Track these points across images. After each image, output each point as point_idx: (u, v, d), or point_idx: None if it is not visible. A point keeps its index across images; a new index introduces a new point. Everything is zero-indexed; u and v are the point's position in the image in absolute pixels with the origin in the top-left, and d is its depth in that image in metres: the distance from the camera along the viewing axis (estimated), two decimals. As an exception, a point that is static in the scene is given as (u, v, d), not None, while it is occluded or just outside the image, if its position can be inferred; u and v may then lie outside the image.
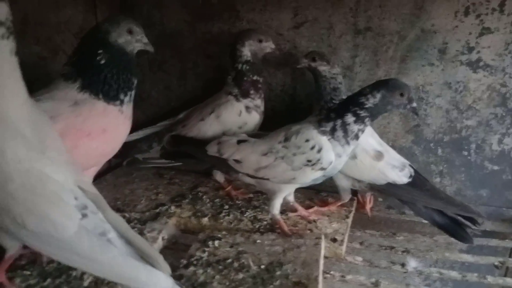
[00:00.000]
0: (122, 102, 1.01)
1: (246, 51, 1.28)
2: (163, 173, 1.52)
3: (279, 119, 1.36)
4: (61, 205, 0.70)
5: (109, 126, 1.00)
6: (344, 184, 1.23)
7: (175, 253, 1.11)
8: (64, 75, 0.98)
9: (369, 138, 1.17)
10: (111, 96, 0.99)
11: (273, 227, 1.17)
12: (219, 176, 1.37)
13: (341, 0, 1.32)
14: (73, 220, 0.70)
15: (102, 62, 0.98)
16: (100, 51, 0.98)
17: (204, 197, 1.35)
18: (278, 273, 0.93)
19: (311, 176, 1.06)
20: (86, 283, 0.87)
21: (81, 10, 1.38)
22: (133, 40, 1.03)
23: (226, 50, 1.40)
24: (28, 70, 1.23)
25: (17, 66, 0.71)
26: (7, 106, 0.69)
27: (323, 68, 1.22)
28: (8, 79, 0.69)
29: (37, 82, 1.25)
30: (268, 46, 1.29)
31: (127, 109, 1.03)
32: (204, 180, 1.47)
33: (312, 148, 1.02)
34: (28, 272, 0.89)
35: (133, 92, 1.03)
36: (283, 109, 1.47)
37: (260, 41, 1.27)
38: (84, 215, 0.72)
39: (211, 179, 1.43)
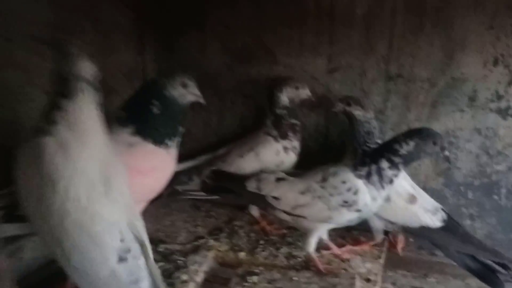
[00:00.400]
0: (167, 145, 1.09)
1: (284, 97, 1.36)
2: (200, 206, 1.59)
3: (313, 157, 1.43)
4: (101, 246, 0.76)
5: (158, 165, 1.08)
6: (377, 225, 1.27)
7: (215, 287, 1.17)
8: (118, 120, 1.07)
9: (402, 181, 1.21)
10: (158, 140, 1.07)
11: (307, 264, 1.20)
12: (255, 211, 1.42)
13: (373, 48, 1.40)
14: (108, 262, 0.76)
15: (155, 112, 1.07)
16: (155, 102, 1.07)
17: (240, 231, 1.40)
18: (316, 311, 0.97)
19: (347, 217, 1.11)
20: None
21: (131, 53, 1.50)
22: (187, 92, 1.11)
23: (263, 90, 1.49)
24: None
25: (101, 117, 0.81)
26: (83, 155, 0.78)
27: (357, 112, 1.29)
28: (93, 129, 0.80)
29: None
30: (305, 93, 1.37)
31: (173, 151, 1.12)
32: (239, 214, 1.52)
33: (349, 190, 1.08)
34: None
35: (178, 139, 1.12)
36: (317, 148, 1.53)
37: (297, 88, 1.36)
38: (123, 259, 0.77)
39: (245, 213, 1.49)
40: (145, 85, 1.14)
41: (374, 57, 1.40)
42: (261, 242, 1.33)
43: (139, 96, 1.11)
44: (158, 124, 1.07)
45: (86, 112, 0.79)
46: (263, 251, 1.28)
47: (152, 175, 1.08)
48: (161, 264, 1.17)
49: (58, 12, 1.15)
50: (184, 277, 1.12)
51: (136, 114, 1.08)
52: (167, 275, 1.12)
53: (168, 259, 1.20)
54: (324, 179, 1.12)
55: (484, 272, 1.17)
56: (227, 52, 1.57)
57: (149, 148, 1.06)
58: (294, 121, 1.38)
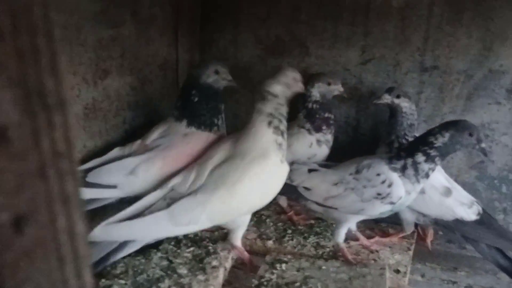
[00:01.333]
0: (217, 126, 1.22)
1: (316, 92, 1.36)
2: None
3: (342, 149, 1.42)
4: None
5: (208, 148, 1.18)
6: (408, 217, 1.26)
7: (245, 273, 1.20)
8: (174, 116, 1.24)
9: (437, 174, 1.19)
10: (207, 124, 1.22)
11: (336, 254, 1.22)
12: (283, 201, 1.44)
13: (409, 39, 1.38)
14: None
15: (196, 100, 1.21)
16: (193, 92, 1.21)
17: (267, 220, 1.42)
18: (346, 300, 0.99)
19: (380, 209, 1.11)
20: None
21: (165, 44, 1.53)
22: (220, 78, 1.22)
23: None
24: (121, 98, 1.38)
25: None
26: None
27: (405, 104, 1.26)
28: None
29: (127, 109, 1.41)
30: (337, 89, 1.36)
31: (223, 131, 1.26)
32: (265, 203, 1.55)
33: (383, 182, 1.07)
34: (123, 282, 1.01)
35: (223, 115, 1.25)
36: (347, 140, 1.53)
37: (329, 84, 1.35)
38: None
39: (271, 203, 1.50)
40: (184, 82, 1.28)
41: (409, 49, 1.38)
42: (289, 231, 1.35)
43: (183, 93, 1.25)
44: (202, 110, 1.21)
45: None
46: (291, 240, 1.30)
47: None
48: (192, 249, 1.20)
49: (104, 5, 1.19)
50: (215, 262, 1.15)
51: (184, 108, 1.23)
52: (199, 260, 1.16)
53: (199, 245, 1.23)
54: (357, 171, 1.12)
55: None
56: (260, 44, 1.58)
57: (202, 135, 1.20)
58: (327, 114, 1.37)
